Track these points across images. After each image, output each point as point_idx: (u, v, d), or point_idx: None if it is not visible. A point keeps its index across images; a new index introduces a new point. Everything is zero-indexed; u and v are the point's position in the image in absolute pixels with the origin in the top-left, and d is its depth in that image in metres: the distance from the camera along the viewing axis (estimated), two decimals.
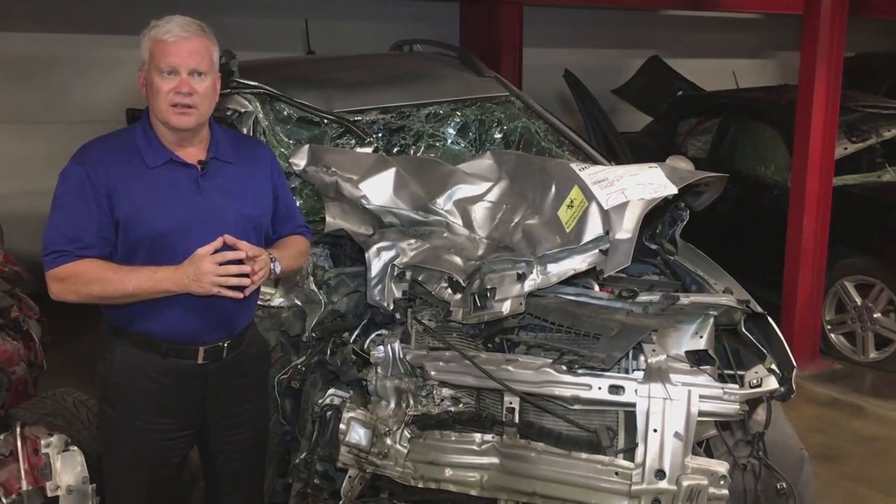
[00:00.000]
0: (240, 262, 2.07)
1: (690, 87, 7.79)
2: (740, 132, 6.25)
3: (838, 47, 4.85)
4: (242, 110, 3.36)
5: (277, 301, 3.08)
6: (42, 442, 2.52)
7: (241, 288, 2.07)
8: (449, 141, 3.63)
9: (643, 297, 2.51)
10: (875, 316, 5.01)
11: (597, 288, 2.62)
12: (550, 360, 2.36)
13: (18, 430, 2.54)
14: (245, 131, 3.32)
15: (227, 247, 2.07)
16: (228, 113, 3.37)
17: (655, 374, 2.27)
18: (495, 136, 3.69)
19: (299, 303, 3.05)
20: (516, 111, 3.75)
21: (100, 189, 2.05)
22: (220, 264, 2.03)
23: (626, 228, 2.47)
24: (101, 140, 2.15)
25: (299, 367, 2.87)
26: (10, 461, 2.52)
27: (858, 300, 5.09)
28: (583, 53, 7.99)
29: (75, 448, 2.57)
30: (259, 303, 2.68)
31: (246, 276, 2.06)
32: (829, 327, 5.26)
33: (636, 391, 2.27)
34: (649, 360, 2.28)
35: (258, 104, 3.40)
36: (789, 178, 5.41)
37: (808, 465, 2.68)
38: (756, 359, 2.56)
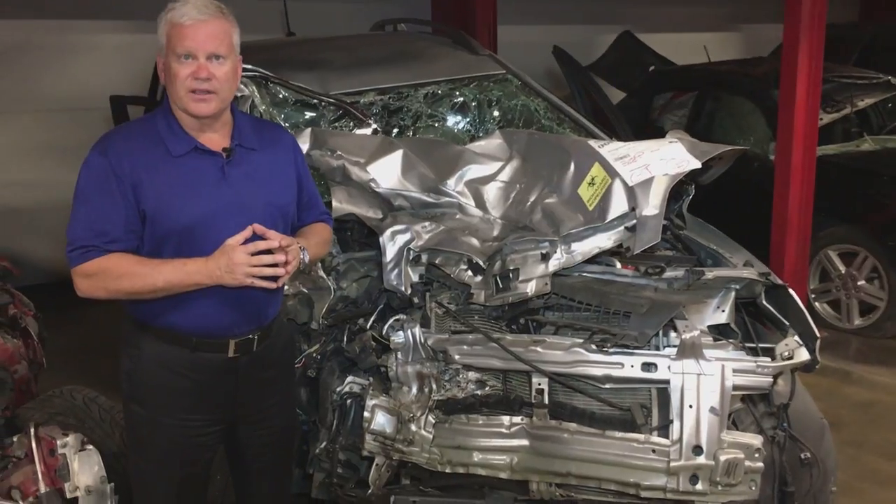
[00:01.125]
0: (269, 251, 2.01)
1: (662, 61, 7.81)
2: (717, 106, 6.29)
3: (820, 19, 4.88)
4: (239, 94, 3.27)
5: (284, 288, 3.01)
6: (58, 442, 2.43)
7: (274, 278, 2.01)
8: (448, 121, 3.57)
9: (668, 273, 2.50)
10: (859, 283, 5.10)
11: (619, 265, 2.61)
12: (580, 340, 2.35)
13: (32, 430, 2.45)
14: None
15: (256, 236, 2.01)
16: None
17: (689, 350, 2.27)
18: (494, 114, 3.65)
19: (305, 290, 2.98)
20: (514, 89, 3.70)
21: (124, 180, 1.97)
22: (252, 255, 1.98)
23: (654, 204, 2.45)
24: (123, 129, 2.07)
25: (314, 355, 2.82)
26: (26, 463, 2.44)
27: (842, 268, 5.17)
28: (555, 30, 7.95)
29: (91, 447, 2.49)
30: None
31: (278, 265, 2.01)
32: (813, 296, 5.34)
33: (669, 368, 2.27)
34: (683, 336, 2.28)
35: (254, 88, 3.32)
36: (769, 149, 5.48)
37: (829, 434, 2.71)
38: (777, 331, 2.58)
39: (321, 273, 2.93)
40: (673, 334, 2.34)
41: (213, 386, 2.13)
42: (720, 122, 6.21)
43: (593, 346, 2.32)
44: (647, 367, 2.29)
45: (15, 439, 2.47)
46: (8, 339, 2.92)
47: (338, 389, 2.70)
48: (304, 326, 2.95)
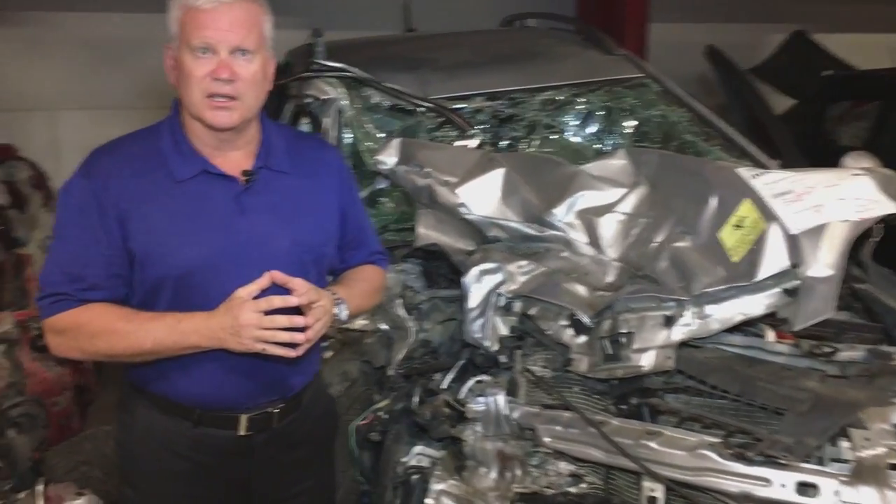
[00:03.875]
0: (295, 308, 1.53)
1: (840, 66, 6.92)
2: None
3: None
4: (324, 97, 2.86)
5: (360, 324, 2.56)
6: None
7: (293, 345, 1.53)
8: (570, 133, 3.01)
9: (843, 354, 1.83)
10: None
11: (771, 336, 1.96)
12: (712, 440, 1.74)
13: (41, 488, 2.10)
14: (328, 122, 2.82)
15: (276, 287, 1.54)
16: (308, 101, 2.88)
17: (868, 473, 1.61)
18: (627, 127, 3.06)
19: (386, 327, 2.52)
20: (653, 96, 3.10)
21: (109, 211, 1.55)
22: (267, 313, 1.50)
23: (826, 262, 1.79)
24: (117, 144, 1.64)
25: (381, 413, 2.35)
26: None
27: None
28: (715, 28, 7.18)
29: None
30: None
31: (300, 329, 1.53)
32: None
33: (838, 494, 1.61)
34: (860, 454, 1.62)
35: (344, 90, 2.89)
36: None
37: None
38: None
39: (402, 312, 2.47)
40: (844, 444, 1.69)
41: (220, 470, 1.69)
42: None
43: (729, 452, 1.70)
44: (805, 489, 1.64)
45: (22, 496, 2.13)
46: (50, 367, 2.62)
47: (402, 460, 2.21)
48: (379, 372, 2.49)
